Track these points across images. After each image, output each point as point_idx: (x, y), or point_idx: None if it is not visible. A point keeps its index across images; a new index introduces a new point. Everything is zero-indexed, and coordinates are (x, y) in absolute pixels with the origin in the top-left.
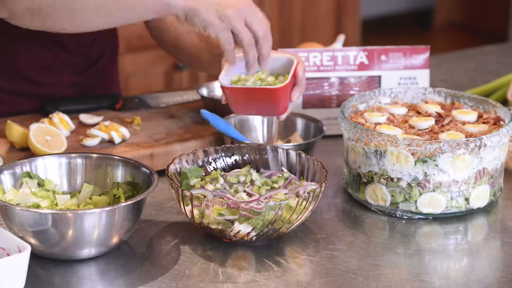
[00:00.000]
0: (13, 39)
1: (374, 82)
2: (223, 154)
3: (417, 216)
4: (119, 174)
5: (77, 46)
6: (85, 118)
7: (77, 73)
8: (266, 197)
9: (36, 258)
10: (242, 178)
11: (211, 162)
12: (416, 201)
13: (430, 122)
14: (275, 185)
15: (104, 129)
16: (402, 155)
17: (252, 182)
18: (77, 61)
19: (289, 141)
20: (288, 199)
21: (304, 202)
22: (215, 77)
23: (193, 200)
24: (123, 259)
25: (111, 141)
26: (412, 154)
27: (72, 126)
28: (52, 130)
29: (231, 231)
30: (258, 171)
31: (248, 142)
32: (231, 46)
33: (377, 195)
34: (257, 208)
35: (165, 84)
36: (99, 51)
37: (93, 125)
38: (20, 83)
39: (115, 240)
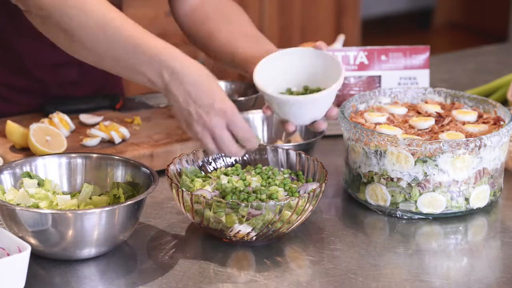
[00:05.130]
0: (20, 36)
1: (374, 82)
2: (223, 154)
3: (417, 216)
4: (119, 174)
5: None
6: (85, 118)
7: (82, 71)
8: (266, 198)
9: (36, 258)
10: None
11: (211, 162)
12: (416, 201)
13: (430, 122)
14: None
15: (104, 129)
16: (402, 155)
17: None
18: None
19: (289, 141)
20: (288, 199)
21: (304, 202)
22: (216, 77)
23: (193, 200)
24: (123, 259)
25: (111, 141)
26: (412, 154)
27: (72, 126)
28: (52, 130)
29: (231, 231)
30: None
31: None
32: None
33: (377, 195)
34: (257, 209)
35: None
36: None
37: (93, 125)
38: (25, 81)
39: (115, 240)
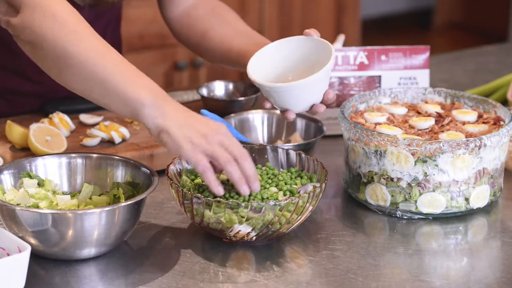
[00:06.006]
0: None
1: (374, 82)
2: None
3: (417, 216)
4: (119, 174)
5: None
6: (85, 118)
7: None
8: (267, 197)
9: (36, 258)
10: None
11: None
12: (416, 201)
13: (430, 122)
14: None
15: (104, 129)
16: (402, 155)
17: None
18: None
19: (289, 141)
20: (288, 199)
21: (304, 202)
22: (216, 77)
23: (193, 200)
24: (123, 259)
25: (111, 141)
26: (412, 154)
27: (72, 126)
28: (52, 130)
29: (231, 231)
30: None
31: (248, 142)
32: (207, 170)
33: (377, 195)
34: (257, 208)
35: (165, 84)
36: None
37: (93, 125)
38: (26, 83)
39: (115, 240)
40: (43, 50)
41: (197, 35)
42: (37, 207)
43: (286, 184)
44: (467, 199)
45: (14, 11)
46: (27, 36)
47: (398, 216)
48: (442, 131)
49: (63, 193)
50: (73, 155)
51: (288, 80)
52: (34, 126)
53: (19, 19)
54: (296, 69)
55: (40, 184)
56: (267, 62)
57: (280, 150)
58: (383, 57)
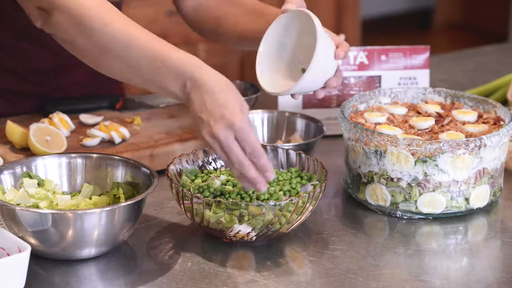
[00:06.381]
0: (21, 41)
1: (374, 82)
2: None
3: (417, 216)
4: (119, 174)
5: None
6: (85, 118)
7: (82, 74)
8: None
9: (36, 258)
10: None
11: (211, 162)
12: (416, 201)
13: (430, 122)
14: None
15: (104, 129)
16: (402, 155)
17: None
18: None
19: (289, 141)
20: (288, 199)
21: (304, 202)
22: None
23: (193, 200)
24: (123, 259)
25: (111, 141)
26: (412, 154)
27: (72, 126)
28: (52, 130)
29: (231, 231)
30: None
31: None
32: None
33: (377, 195)
34: (257, 208)
35: None
36: None
37: (93, 125)
38: (26, 85)
39: (115, 240)
40: (80, 50)
41: (213, 24)
42: (37, 207)
43: (286, 184)
44: (467, 199)
45: (46, 14)
46: (64, 36)
47: (398, 216)
48: (442, 131)
49: (63, 193)
50: (73, 155)
51: (299, 64)
52: (34, 126)
53: (52, 21)
54: (301, 46)
55: (40, 184)
56: (271, 62)
57: (280, 150)
58: (383, 57)
